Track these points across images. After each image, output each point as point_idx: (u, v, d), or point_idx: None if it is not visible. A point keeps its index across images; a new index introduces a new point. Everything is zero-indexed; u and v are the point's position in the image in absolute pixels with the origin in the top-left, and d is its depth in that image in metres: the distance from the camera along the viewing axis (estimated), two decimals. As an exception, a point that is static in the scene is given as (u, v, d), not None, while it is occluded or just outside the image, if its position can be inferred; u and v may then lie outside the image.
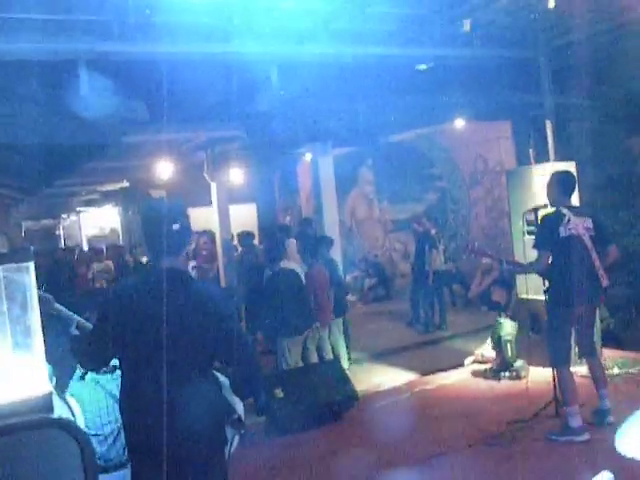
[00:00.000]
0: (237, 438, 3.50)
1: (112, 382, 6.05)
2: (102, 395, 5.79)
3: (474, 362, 8.98)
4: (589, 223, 6.10)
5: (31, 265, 1.79)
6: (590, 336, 6.50)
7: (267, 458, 6.51)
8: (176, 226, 3.21)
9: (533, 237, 6.48)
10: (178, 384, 3.15)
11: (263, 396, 3.77)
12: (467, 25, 7.64)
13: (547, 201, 6.46)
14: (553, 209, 6.26)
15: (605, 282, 6.08)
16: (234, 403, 3.48)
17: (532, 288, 7.89)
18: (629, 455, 2.26)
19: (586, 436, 5.87)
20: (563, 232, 5.99)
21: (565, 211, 6.08)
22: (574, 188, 6.44)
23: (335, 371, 7.80)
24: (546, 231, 6.13)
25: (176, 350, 3.18)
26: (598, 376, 6.33)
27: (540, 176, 8.02)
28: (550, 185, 6.34)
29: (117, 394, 5.94)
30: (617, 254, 6.34)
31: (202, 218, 17.16)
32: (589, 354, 6.44)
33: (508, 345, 8.31)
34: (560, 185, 6.30)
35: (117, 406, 5.86)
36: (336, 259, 10.13)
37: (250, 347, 3.58)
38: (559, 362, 6.16)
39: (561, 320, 6.13)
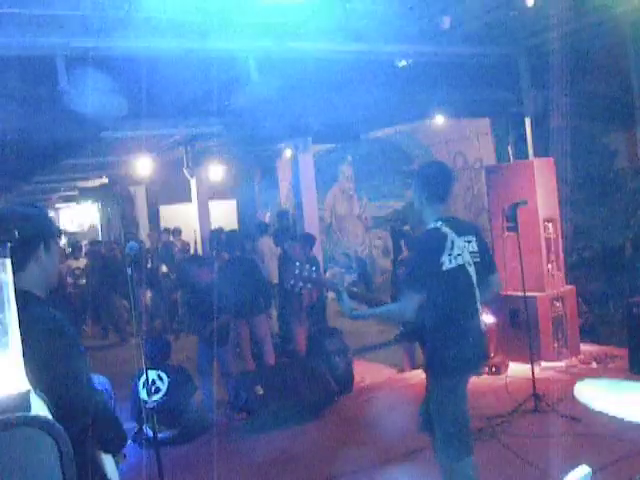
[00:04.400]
0: None
1: (95, 379, 6.05)
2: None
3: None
4: (474, 245, 4.19)
5: (7, 262, 1.77)
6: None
7: (248, 455, 6.51)
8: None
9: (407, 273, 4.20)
10: None
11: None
12: (447, 22, 7.66)
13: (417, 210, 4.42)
14: (432, 226, 4.16)
15: (483, 326, 4.24)
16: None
17: (511, 284, 7.93)
18: (582, 401, 2.40)
19: None
20: (447, 263, 3.98)
21: (446, 229, 4.08)
22: (450, 188, 4.40)
23: (316, 367, 7.81)
24: (422, 262, 4.06)
25: None
26: None
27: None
28: (416, 187, 4.41)
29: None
30: (501, 288, 4.78)
31: (182, 214, 17.16)
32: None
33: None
34: (429, 186, 4.32)
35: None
36: (317, 256, 10.14)
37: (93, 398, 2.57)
38: (457, 456, 4.11)
39: (451, 396, 4.11)
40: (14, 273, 2.21)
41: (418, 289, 3.93)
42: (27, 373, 2.07)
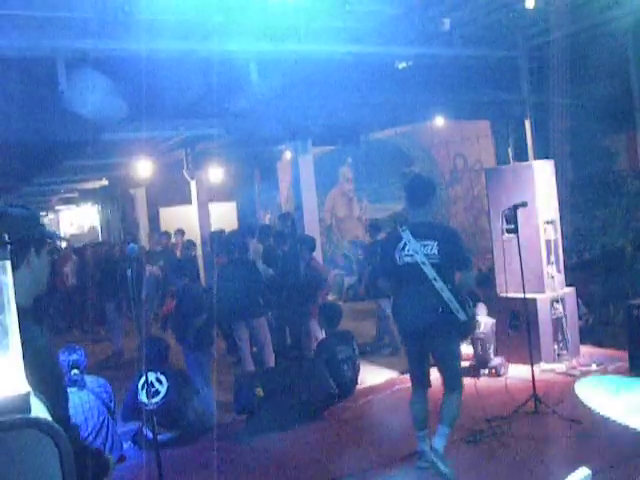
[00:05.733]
0: None
1: (95, 382, 6.09)
2: (84, 392, 5.82)
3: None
4: (433, 248, 5.23)
5: (7, 263, 1.76)
6: (448, 370, 5.51)
7: (248, 457, 6.50)
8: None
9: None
10: None
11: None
12: (446, 24, 7.67)
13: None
14: (396, 229, 5.52)
15: (462, 316, 5.20)
16: None
17: (511, 285, 7.93)
18: (583, 399, 2.44)
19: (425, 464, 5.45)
20: (398, 259, 5.32)
21: (405, 233, 5.31)
22: (422, 198, 5.45)
23: (315, 369, 7.80)
24: (381, 255, 5.72)
25: None
26: (441, 411, 5.49)
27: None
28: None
29: (99, 393, 6.00)
30: (468, 282, 5.52)
31: (182, 216, 17.15)
32: (448, 389, 5.49)
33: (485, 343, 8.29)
34: (407, 195, 5.62)
35: (99, 403, 5.91)
36: (317, 258, 10.14)
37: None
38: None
39: (408, 347, 5.66)
40: None
41: (384, 275, 5.67)
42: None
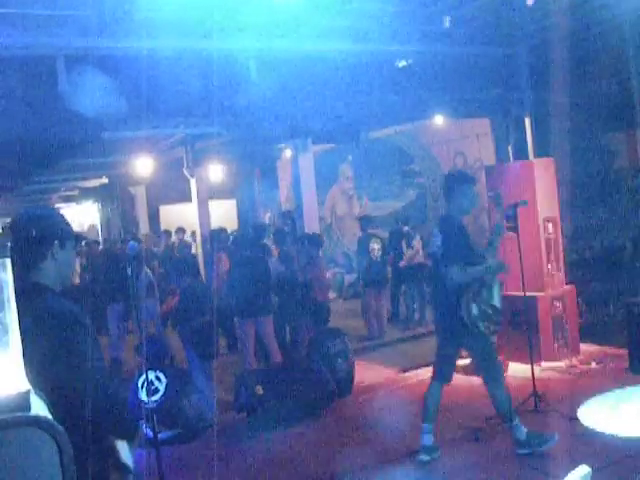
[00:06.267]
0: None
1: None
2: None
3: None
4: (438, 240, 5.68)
5: (7, 261, 1.77)
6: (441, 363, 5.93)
7: (248, 455, 6.51)
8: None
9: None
10: None
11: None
12: (446, 22, 7.66)
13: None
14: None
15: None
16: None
17: (511, 284, 7.93)
18: (586, 425, 2.46)
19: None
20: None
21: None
22: (445, 192, 5.91)
23: (312, 365, 7.81)
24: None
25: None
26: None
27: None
28: None
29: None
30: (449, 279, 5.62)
31: (181, 214, 17.15)
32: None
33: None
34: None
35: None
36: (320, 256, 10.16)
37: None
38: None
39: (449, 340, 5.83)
40: (31, 268, 2.73)
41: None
42: (34, 358, 2.12)
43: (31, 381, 1.87)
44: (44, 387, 2.23)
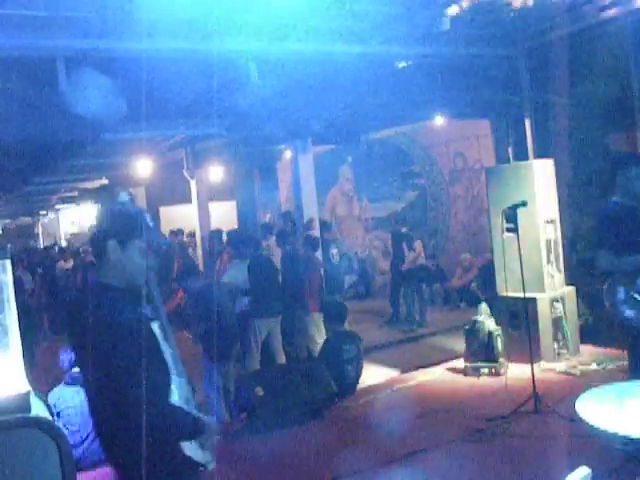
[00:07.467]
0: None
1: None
2: (84, 396, 5.81)
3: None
4: None
5: (7, 263, 1.77)
6: None
7: (248, 456, 6.50)
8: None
9: None
10: None
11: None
12: (447, 23, 7.66)
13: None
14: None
15: None
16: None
17: (511, 285, 7.93)
18: (583, 418, 2.47)
19: None
20: None
21: None
22: None
23: (315, 368, 7.80)
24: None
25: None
26: None
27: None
28: None
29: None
30: None
31: (182, 215, 17.15)
32: None
33: (499, 340, 8.22)
34: None
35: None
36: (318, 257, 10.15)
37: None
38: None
39: None
40: (98, 267, 2.81)
41: None
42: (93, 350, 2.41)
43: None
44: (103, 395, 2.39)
